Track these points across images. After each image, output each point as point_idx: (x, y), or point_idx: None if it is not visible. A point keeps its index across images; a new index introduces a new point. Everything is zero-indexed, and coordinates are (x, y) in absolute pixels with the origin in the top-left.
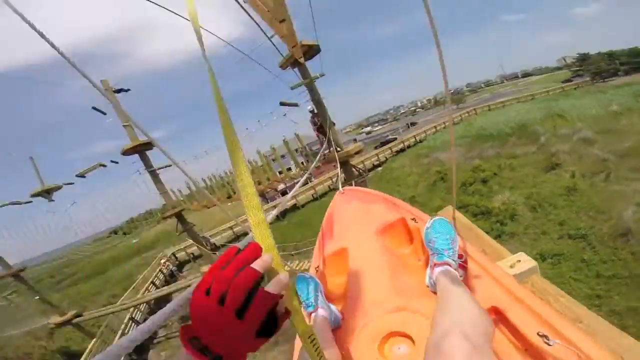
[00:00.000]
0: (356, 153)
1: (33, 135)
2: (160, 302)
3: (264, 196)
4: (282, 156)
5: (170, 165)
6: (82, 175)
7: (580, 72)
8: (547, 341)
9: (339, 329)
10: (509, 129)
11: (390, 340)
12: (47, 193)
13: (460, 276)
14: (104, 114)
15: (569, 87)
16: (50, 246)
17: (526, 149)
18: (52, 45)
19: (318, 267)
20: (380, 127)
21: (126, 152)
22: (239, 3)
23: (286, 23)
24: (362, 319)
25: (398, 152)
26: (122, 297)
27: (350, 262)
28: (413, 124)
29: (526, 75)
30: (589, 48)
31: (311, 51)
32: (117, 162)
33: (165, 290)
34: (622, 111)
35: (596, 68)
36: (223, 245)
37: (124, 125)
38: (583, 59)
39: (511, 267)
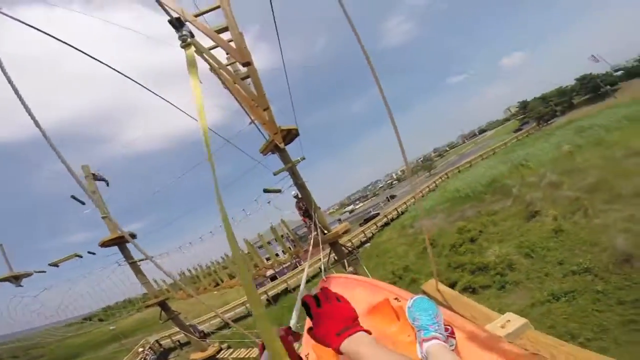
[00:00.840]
0: (344, 232)
1: (4, 220)
2: None
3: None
4: (269, 242)
5: (151, 257)
6: (55, 265)
7: (526, 120)
8: None
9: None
10: (481, 187)
11: None
12: (14, 279)
13: (451, 346)
14: (83, 203)
15: (521, 135)
16: (16, 327)
17: (502, 204)
18: (37, 125)
19: (308, 354)
20: (361, 204)
21: (105, 244)
22: (227, 87)
23: (268, 111)
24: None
25: (383, 226)
26: None
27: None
28: (392, 196)
29: (482, 131)
30: (526, 95)
31: (290, 135)
32: (94, 254)
33: None
34: (574, 149)
35: (537, 113)
36: (212, 333)
37: (102, 217)
38: (524, 106)
39: (502, 327)
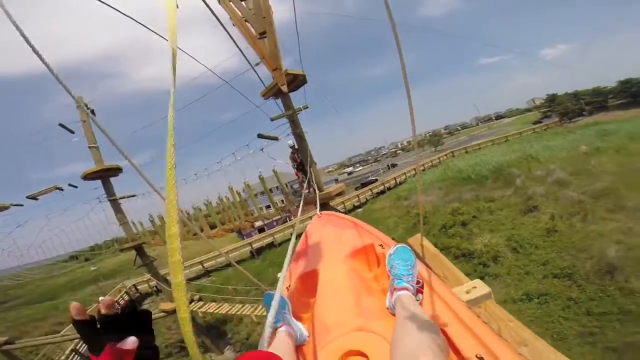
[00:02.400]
0: (337, 195)
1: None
2: None
3: (240, 232)
4: (257, 195)
5: (134, 195)
6: (33, 198)
7: (549, 113)
8: None
9: (304, 345)
10: (485, 171)
11: (349, 358)
12: None
13: (418, 300)
14: (72, 132)
15: (539, 128)
16: (13, 263)
17: (503, 192)
18: (40, 57)
19: (289, 286)
20: (361, 167)
21: (88, 177)
22: (222, 26)
23: (270, 41)
24: (325, 338)
25: (378, 193)
26: (67, 327)
27: (320, 283)
28: (393, 165)
29: (499, 117)
30: (557, 88)
31: (296, 81)
32: (76, 187)
33: None
34: (591, 152)
35: (563, 108)
36: (192, 279)
37: (89, 147)
38: (552, 99)
39: (467, 292)
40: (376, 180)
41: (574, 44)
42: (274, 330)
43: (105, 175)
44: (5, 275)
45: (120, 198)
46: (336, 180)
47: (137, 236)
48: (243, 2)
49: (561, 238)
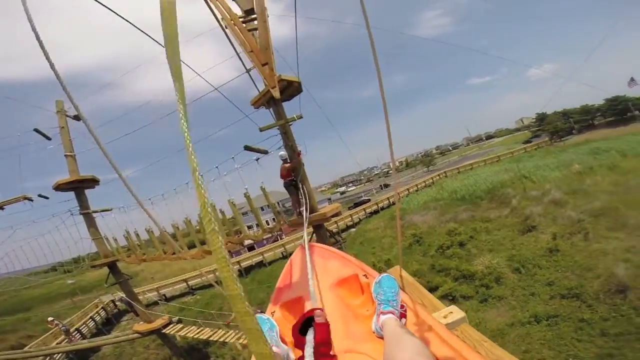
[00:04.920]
0: (334, 215)
1: None
2: (80, 352)
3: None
4: (246, 213)
5: (110, 209)
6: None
7: (539, 132)
8: None
9: None
10: (480, 192)
11: None
12: None
13: (402, 323)
14: (49, 139)
15: (530, 147)
16: None
17: (499, 212)
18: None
19: (274, 312)
20: (354, 187)
21: (60, 187)
22: (223, 29)
23: (268, 65)
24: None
25: (372, 213)
26: (35, 342)
27: (306, 309)
28: (386, 185)
29: (489, 137)
30: (544, 109)
31: (290, 89)
32: (47, 197)
33: (84, 344)
34: (584, 170)
35: (553, 127)
36: (175, 297)
37: (65, 155)
38: (541, 118)
39: (444, 317)
40: (369, 200)
41: (559, 63)
42: None
43: (79, 186)
44: None
45: (94, 212)
46: (329, 200)
47: (110, 253)
48: None
49: (564, 257)
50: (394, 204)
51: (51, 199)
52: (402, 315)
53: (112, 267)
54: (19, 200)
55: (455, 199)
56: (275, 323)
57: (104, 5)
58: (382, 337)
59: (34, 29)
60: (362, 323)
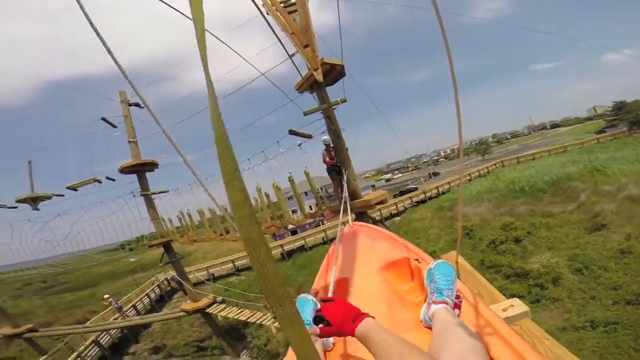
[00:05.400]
0: (378, 203)
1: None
2: (133, 328)
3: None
4: (290, 198)
5: (166, 191)
6: (73, 188)
7: (616, 122)
8: None
9: (329, 351)
10: (542, 184)
11: None
12: (32, 201)
13: (456, 315)
14: (115, 126)
15: (604, 138)
16: (50, 253)
17: (563, 207)
18: (113, 58)
19: (318, 292)
20: (400, 175)
21: (124, 170)
22: (262, 15)
23: (309, 48)
24: (353, 346)
25: (419, 202)
26: (95, 317)
27: (351, 292)
28: (436, 174)
29: (555, 126)
30: (621, 96)
31: (334, 72)
32: (113, 180)
33: (136, 320)
34: None
35: (633, 117)
36: (223, 277)
37: (129, 141)
38: (619, 107)
39: (504, 310)
40: (416, 188)
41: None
42: None
43: (141, 169)
44: (66, 259)
45: (152, 193)
46: (373, 187)
47: (165, 233)
48: None
49: (637, 261)
50: (443, 193)
51: (117, 182)
52: (457, 306)
53: (167, 246)
54: (90, 182)
55: (512, 191)
56: (318, 303)
57: None
58: (430, 327)
59: (94, 29)
60: (409, 310)
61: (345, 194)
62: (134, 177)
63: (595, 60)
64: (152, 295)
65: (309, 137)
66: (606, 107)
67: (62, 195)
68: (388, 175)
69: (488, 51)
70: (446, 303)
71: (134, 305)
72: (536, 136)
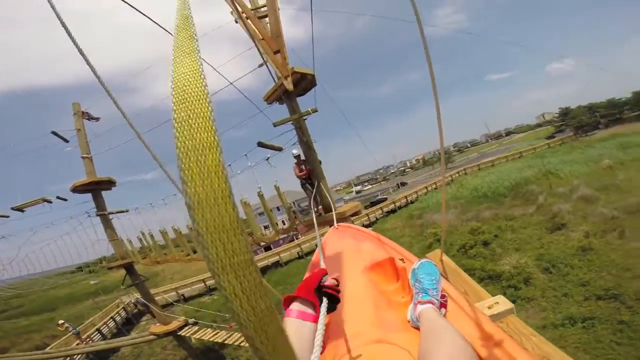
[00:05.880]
0: (352, 215)
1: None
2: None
3: None
4: (260, 213)
5: (126, 211)
6: (19, 209)
7: (562, 128)
8: None
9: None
10: (503, 189)
11: None
12: None
13: (442, 314)
14: (66, 141)
15: (553, 143)
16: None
17: (524, 210)
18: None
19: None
20: (370, 186)
21: (77, 189)
22: (236, 20)
23: (280, 54)
24: (342, 349)
25: (389, 212)
26: (56, 342)
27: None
28: (403, 184)
29: (509, 133)
30: (567, 103)
31: (304, 82)
32: (65, 199)
33: (102, 345)
34: (615, 165)
35: (578, 122)
36: (194, 297)
37: (82, 157)
38: (565, 113)
39: (489, 307)
40: (386, 198)
41: (581, 57)
42: None
43: (96, 188)
44: (19, 282)
45: (110, 213)
46: (344, 200)
47: (126, 254)
48: None
49: (599, 257)
50: (412, 202)
51: (70, 201)
52: (442, 305)
53: (129, 268)
54: (38, 202)
55: (476, 197)
56: None
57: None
58: (417, 328)
59: (72, 38)
60: (396, 311)
61: (318, 207)
62: (88, 196)
63: (540, 69)
64: (118, 319)
65: (279, 149)
66: (553, 113)
67: (7, 217)
68: (358, 187)
69: (447, 63)
70: (432, 303)
71: (98, 330)
72: (493, 144)
